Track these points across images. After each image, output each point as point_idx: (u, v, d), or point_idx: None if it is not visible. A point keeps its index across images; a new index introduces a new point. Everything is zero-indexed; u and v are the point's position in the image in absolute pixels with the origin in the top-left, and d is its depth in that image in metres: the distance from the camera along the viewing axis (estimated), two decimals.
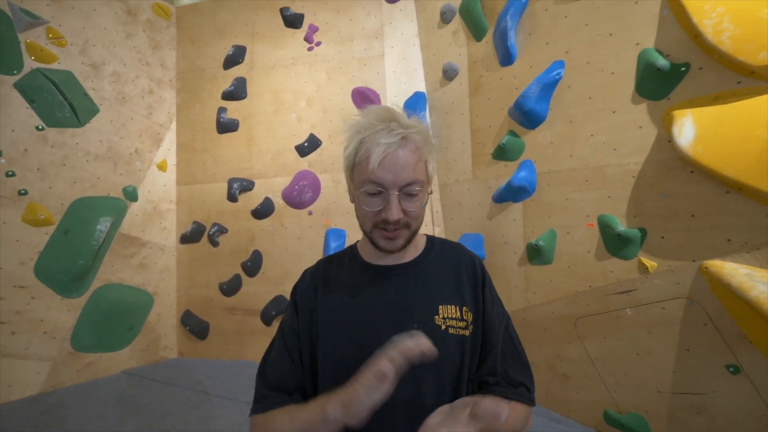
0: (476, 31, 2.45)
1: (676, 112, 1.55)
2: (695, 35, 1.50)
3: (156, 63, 3.22)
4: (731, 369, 1.52)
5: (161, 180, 3.18)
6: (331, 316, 0.71)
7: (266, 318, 3.02)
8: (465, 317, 0.70)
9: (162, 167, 3.18)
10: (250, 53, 3.20)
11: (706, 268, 1.53)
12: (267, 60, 3.16)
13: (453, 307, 0.69)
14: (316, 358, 0.70)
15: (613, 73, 1.81)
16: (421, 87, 2.89)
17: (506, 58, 2.26)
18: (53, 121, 2.61)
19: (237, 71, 3.21)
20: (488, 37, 2.39)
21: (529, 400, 0.69)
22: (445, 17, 2.65)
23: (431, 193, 0.72)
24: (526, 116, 2.11)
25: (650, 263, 1.69)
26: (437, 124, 2.80)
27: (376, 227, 0.67)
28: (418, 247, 0.76)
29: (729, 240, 1.49)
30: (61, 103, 2.65)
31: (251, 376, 2.96)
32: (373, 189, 0.65)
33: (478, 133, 2.51)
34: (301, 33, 3.11)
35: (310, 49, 3.09)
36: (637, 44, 1.71)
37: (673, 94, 1.61)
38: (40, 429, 2.06)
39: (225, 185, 3.16)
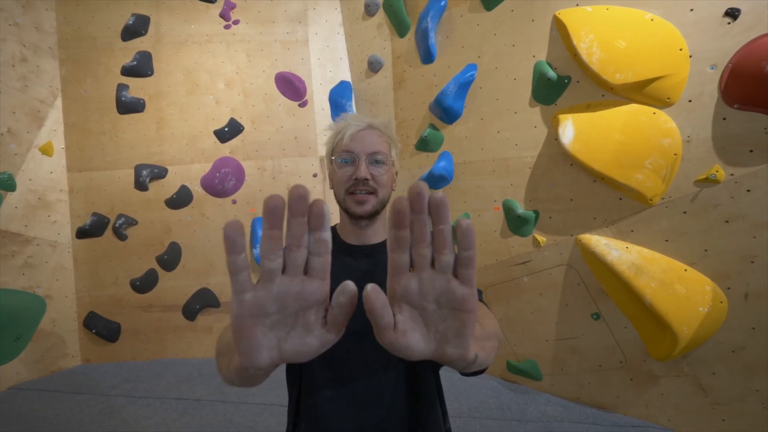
0: (399, 27, 2.59)
1: (561, 116, 1.92)
2: (574, 54, 1.86)
3: (28, 25, 2.70)
4: (594, 316, 1.99)
5: (46, 166, 2.73)
6: None
7: (189, 313, 2.87)
8: None
9: (46, 151, 2.72)
10: (155, 24, 2.88)
11: (579, 240, 1.96)
12: (176, 34, 2.88)
13: None
14: None
15: (515, 79, 2.12)
16: (347, 76, 2.95)
17: (427, 56, 2.46)
18: None
19: (139, 44, 2.87)
20: (410, 34, 2.56)
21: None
22: (369, 10, 2.74)
23: (396, 173, 0.87)
24: (445, 112, 2.35)
25: (541, 238, 2.09)
26: (363, 114, 2.91)
27: (348, 193, 0.80)
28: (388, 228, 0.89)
29: (594, 218, 1.92)
30: None
31: (177, 373, 2.85)
32: (347, 156, 0.80)
33: (402, 124, 2.70)
34: (216, 8, 2.89)
35: (227, 26, 2.90)
36: (534, 56, 2.04)
37: (559, 101, 1.98)
38: None
39: (131, 172, 2.85)
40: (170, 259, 2.86)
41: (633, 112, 1.75)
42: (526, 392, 2.21)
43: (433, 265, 0.36)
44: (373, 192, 0.79)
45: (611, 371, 1.98)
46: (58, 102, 2.81)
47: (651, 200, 1.74)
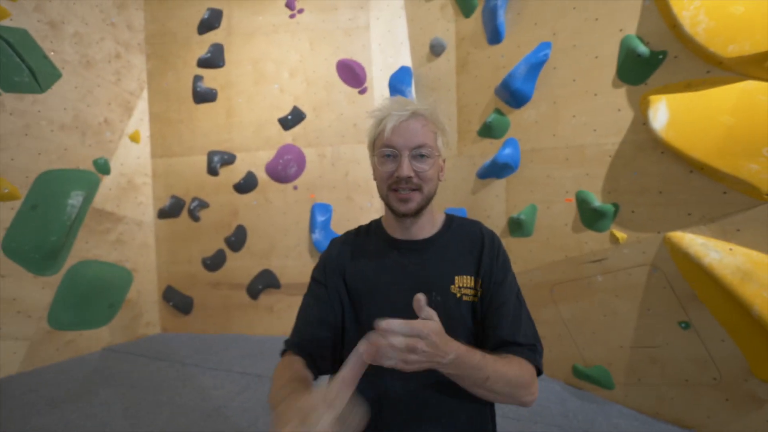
0: (465, 7, 2.46)
1: (652, 97, 1.69)
2: (673, 25, 1.62)
3: (122, 24, 2.97)
4: (683, 325, 1.76)
5: (134, 152, 3.02)
6: (360, 281, 0.81)
7: (253, 292, 3.04)
8: (476, 286, 0.79)
9: (134, 138, 3.01)
10: (227, 17, 3.03)
11: (668, 238, 1.73)
12: (246, 26, 3.01)
13: (467, 277, 0.79)
14: (343, 313, 0.80)
15: (596, 57, 1.91)
16: (407, 62, 2.88)
17: (495, 36, 2.31)
18: (10, 85, 2.39)
19: (213, 37, 3.04)
20: (477, 14, 2.42)
21: (534, 360, 0.73)
22: None
23: (444, 161, 0.80)
24: (513, 95, 2.20)
25: (621, 235, 1.88)
26: (422, 99, 2.83)
27: (391, 190, 0.75)
28: (436, 224, 0.84)
29: (689, 214, 1.68)
30: (19, 65, 2.41)
31: (241, 348, 3.02)
32: (388, 151, 0.75)
33: (464, 110, 2.58)
34: None
35: (292, 16, 2.96)
36: (621, 30, 1.81)
37: (650, 80, 1.74)
38: (24, 407, 2.03)
39: (204, 158, 3.05)
40: (237, 240, 3.04)
41: (748, 90, 1.48)
42: (595, 401, 2.03)
43: None
44: (417, 188, 0.74)
45: (701, 387, 1.74)
46: (145, 94, 3.09)
47: (767, 195, 1.47)
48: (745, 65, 1.47)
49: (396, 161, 0.74)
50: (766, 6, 1.42)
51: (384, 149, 0.74)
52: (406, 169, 0.72)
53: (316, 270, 0.85)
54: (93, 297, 2.75)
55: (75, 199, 2.62)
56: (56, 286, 2.57)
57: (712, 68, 1.57)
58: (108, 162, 2.84)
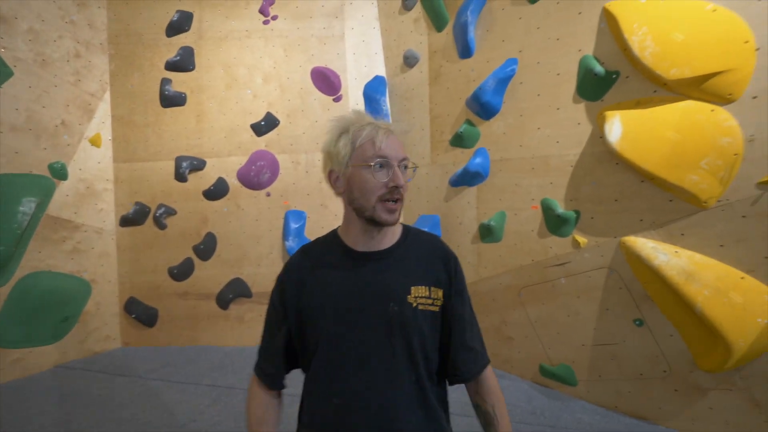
0: (437, 21, 2.56)
1: (608, 113, 1.84)
2: (624, 48, 1.78)
3: (82, 22, 2.83)
4: (637, 322, 1.91)
5: (95, 156, 2.87)
6: (319, 293, 0.83)
7: (222, 302, 2.95)
8: (433, 296, 0.84)
9: (95, 142, 2.86)
10: (198, 21, 2.96)
11: (623, 242, 1.87)
12: (217, 30, 2.96)
13: (423, 287, 0.83)
14: (304, 327, 0.84)
15: (558, 74, 2.05)
16: (382, 71, 2.95)
17: (465, 51, 2.42)
18: None
19: (183, 39, 2.96)
20: (448, 28, 2.53)
21: (487, 361, 0.88)
22: (407, 4, 2.72)
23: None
24: (483, 107, 2.31)
25: (582, 239, 2.02)
26: (397, 109, 2.90)
27: (381, 200, 0.78)
28: (395, 235, 0.88)
29: (641, 220, 1.84)
30: None
31: (210, 360, 2.94)
32: (382, 161, 0.78)
33: (436, 120, 2.67)
34: (255, 4, 2.95)
35: (266, 22, 2.95)
36: (580, 50, 1.96)
37: (606, 97, 1.90)
38: None
39: (172, 164, 2.95)
40: (206, 248, 2.95)
41: (689, 109, 1.65)
42: (560, 398, 2.14)
43: None
44: (401, 199, 0.79)
45: (653, 381, 1.89)
46: (107, 96, 2.95)
47: (705, 203, 1.64)
48: (685, 87, 1.64)
49: (387, 171, 0.77)
50: (702, 34, 1.60)
51: (379, 159, 0.77)
52: (401, 177, 0.77)
53: (274, 292, 0.87)
54: (45, 311, 2.57)
55: (26, 205, 2.45)
56: (2, 300, 2.38)
57: (658, 88, 1.74)
58: (65, 166, 2.68)
